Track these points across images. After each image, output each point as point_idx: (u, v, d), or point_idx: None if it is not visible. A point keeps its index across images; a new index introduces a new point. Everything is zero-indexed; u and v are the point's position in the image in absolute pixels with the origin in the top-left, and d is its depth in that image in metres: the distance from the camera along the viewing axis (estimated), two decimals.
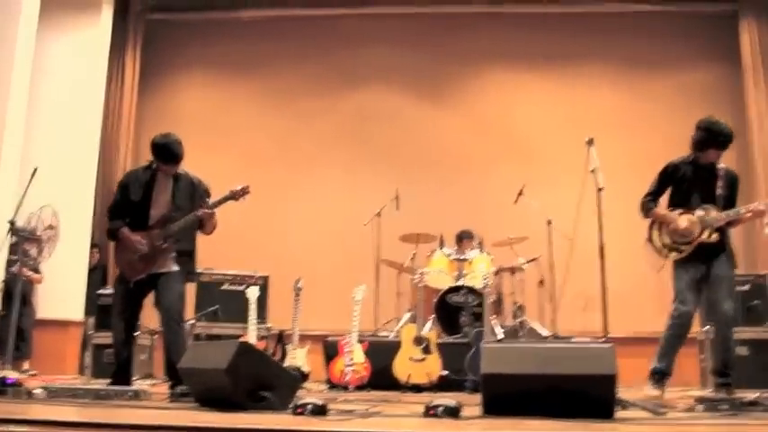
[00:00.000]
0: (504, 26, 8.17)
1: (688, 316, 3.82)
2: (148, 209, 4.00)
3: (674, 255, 3.88)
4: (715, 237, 3.78)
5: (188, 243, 4.07)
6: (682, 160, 3.99)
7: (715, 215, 3.80)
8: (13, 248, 5.26)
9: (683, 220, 3.85)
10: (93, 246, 7.05)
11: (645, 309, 7.15)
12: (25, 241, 4.92)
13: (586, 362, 2.66)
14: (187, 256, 4.05)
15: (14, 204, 4.87)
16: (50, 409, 2.82)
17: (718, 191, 3.84)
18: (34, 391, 3.28)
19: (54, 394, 3.31)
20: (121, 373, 3.92)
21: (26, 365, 5.97)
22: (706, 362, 5.08)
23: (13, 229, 4.75)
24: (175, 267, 3.96)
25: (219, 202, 4.00)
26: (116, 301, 4.04)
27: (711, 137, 3.83)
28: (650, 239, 4.03)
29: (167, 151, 3.94)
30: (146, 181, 4.02)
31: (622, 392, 3.03)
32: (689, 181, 3.92)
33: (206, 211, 3.92)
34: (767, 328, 5.12)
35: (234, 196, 4.02)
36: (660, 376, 3.84)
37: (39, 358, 6.03)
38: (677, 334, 3.81)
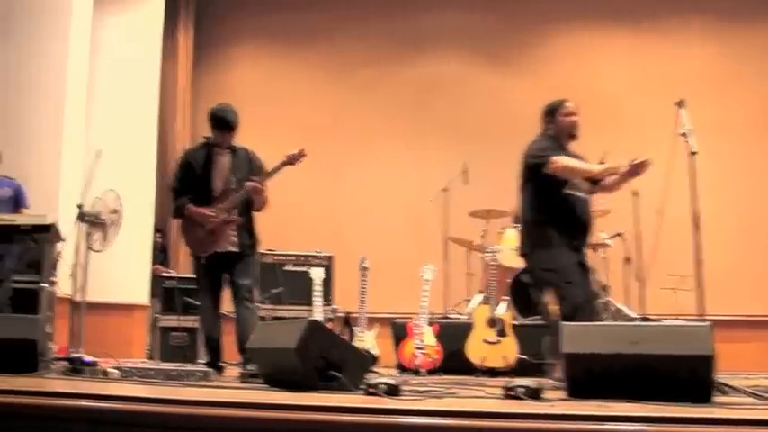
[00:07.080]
0: None
1: None
2: (210, 184, 4.29)
3: None
4: None
5: (247, 219, 4.33)
6: None
7: None
8: None
9: None
10: (156, 230, 7.39)
11: (746, 289, 6.86)
12: (90, 226, 5.22)
13: (680, 341, 2.60)
14: (248, 233, 4.32)
15: (80, 189, 5.18)
16: (125, 387, 3.02)
17: None
18: (109, 371, 3.54)
19: (127, 374, 3.56)
20: (215, 355, 4.26)
21: None
22: None
23: (81, 214, 5.04)
24: (252, 250, 4.30)
25: (276, 170, 4.25)
26: (199, 282, 4.40)
27: None
28: None
29: (223, 119, 4.25)
30: (204, 158, 4.33)
31: (724, 380, 2.96)
32: None
33: (254, 184, 4.16)
34: None
35: (290, 161, 4.24)
36: None
37: (105, 343, 6.38)
38: None
